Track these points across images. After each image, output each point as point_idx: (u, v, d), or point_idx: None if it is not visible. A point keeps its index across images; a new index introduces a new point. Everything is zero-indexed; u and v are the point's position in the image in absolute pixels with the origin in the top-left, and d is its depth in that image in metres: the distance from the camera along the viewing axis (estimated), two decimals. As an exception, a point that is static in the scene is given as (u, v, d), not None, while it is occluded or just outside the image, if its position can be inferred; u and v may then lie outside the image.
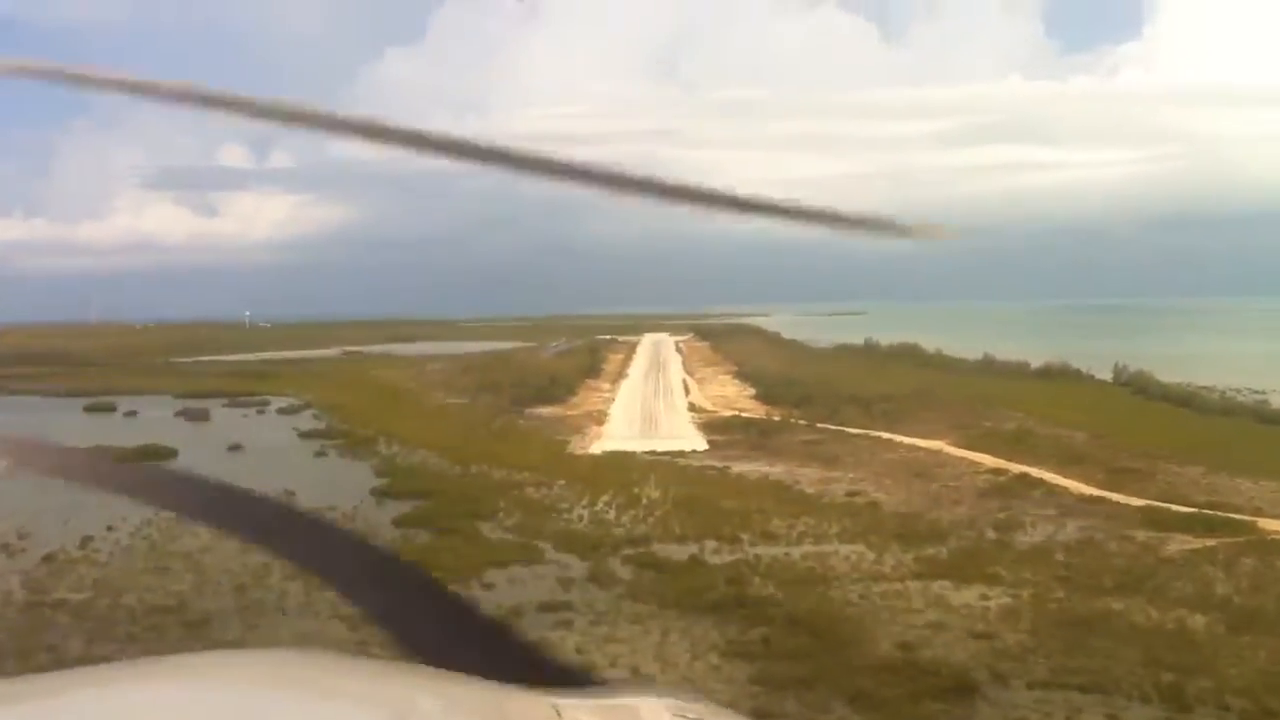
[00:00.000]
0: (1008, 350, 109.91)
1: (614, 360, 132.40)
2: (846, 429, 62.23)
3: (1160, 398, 72.75)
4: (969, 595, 28.33)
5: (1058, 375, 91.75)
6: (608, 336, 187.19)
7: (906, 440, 57.43)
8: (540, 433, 65.57)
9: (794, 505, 40.94)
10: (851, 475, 47.54)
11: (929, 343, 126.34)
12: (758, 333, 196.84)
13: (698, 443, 58.79)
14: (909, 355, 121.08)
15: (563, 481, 47.08)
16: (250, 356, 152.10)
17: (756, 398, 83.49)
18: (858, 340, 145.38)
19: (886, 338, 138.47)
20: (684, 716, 1.95)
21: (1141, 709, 20.89)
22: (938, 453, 53.62)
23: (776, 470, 49.19)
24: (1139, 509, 39.02)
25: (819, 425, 63.94)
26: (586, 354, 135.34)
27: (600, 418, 72.39)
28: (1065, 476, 45.87)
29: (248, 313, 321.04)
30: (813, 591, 28.90)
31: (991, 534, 35.62)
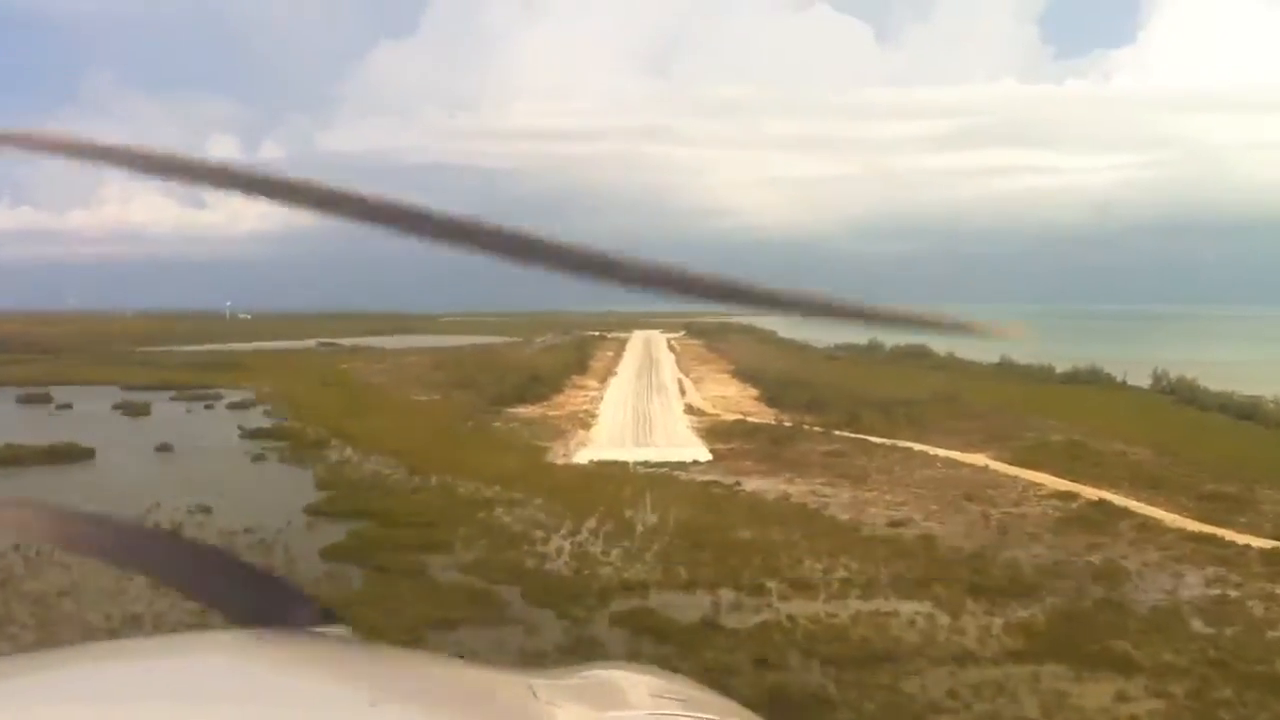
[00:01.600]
0: (1013, 355, 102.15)
1: (603, 357, 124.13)
2: (868, 438, 54.01)
3: (1217, 408, 64.68)
4: (1100, 693, 20.16)
5: (1087, 380, 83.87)
6: (596, 333, 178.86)
7: (942, 453, 49.25)
8: (518, 436, 57.23)
9: (827, 538, 32.72)
10: (889, 497, 39.31)
11: (933, 345, 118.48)
12: (752, 331, 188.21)
13: (699, 452, 50.51)
14: (918, 356, 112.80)
15: (540, 500, 38.91)
16: (221, 347, 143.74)
17: (761, 400, 75.25)
18: (860, 340, 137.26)
19: (888, 339, 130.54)
20: (663, 695, 1.90)
21: None
22: (983, 470, 45.44)
23: (797, 489, 40.95)
24: (1265, 552, 30.86)
25: (836, 433, 55.75)
26: (573, 350, 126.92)
27: (587, 420, 64.08)
28: (1148, 504, 37.80)
29: (229, 303, 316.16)
30: (877, 681, 20.70)
31: (1094, 588, 27.37)
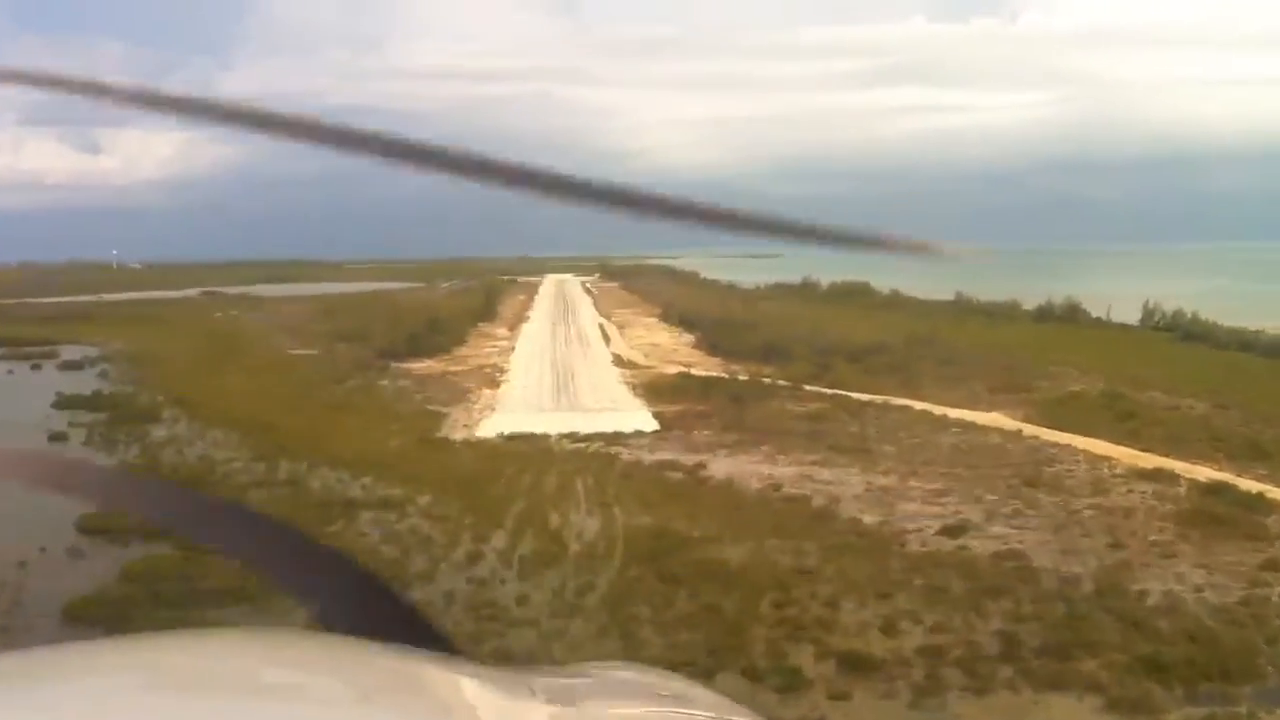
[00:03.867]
0: (947, 291, 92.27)
1: (513, 302, 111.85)
2: (848, 393, 43.08)
3: (1238, 346, 54.98)
4: None
5: (1063, 317, 74.00)
6: (506, 278, 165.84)
7: (951, 413, 38.39)
8: (408, 399, 45.03)
9: (859, 560, 21.52)
10: (917, 483, 28.21)
11: (874, 282, 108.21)
12: (671, 273, 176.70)
13: (641, 418, 39.02)
14: (860, 294, 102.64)
15: (426, 498, 27.26)
16: (89, 298, 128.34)
17: (700, 347, 63.98)
18: (791, 279, 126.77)
19: (823, 278, 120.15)
20: (662, 694, 1.88)
21: None
22: (1017, 435, 34.70)
23: (785, 472, 29.65)
24: None
25: (806, 387, 44.72)
26: (480, 294, 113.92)
27: (495, 376, 52.16)
28: (1272, 483, 27.37)
29: (115, 252, 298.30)
30: None
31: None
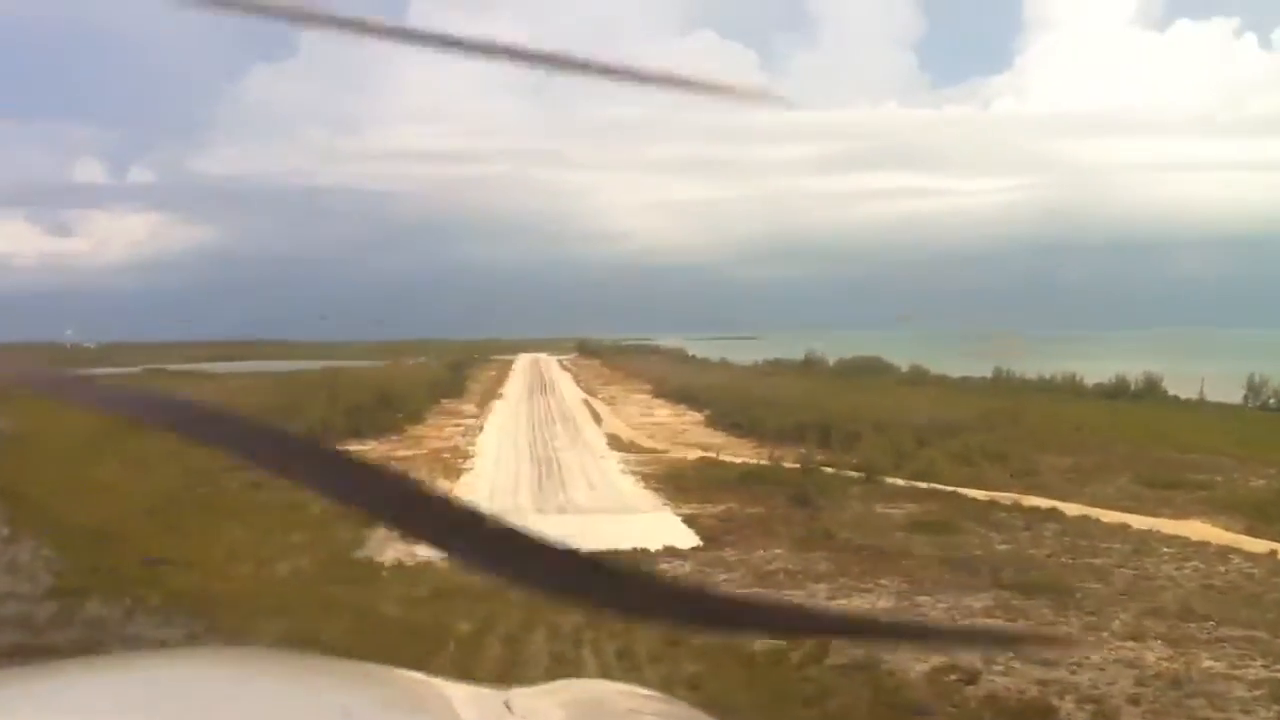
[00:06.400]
0: (955, 369, 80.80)
1: (484, 377, 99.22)
2: (951, 488, 30.47)
3: None
4: None
5: (1140, 395, 61.93)
6: (476, 356, 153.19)
7: (1133, 522, 25.64)
8: (319, 499, 32.11)
9: None
10: (1209, 658, 15.58)
11: (888, 358, 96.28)
12: (655, 350, 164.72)
13: (665, 526, 26.08)
14: (876, 370, 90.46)
15: None
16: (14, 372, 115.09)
17: (715, 426, 51.43)
18: (789, 355, 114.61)
19: (830, 354, 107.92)
20: (639, 710, 1.81)
21: None
22: (1270, 556, 22.11)
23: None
24: None
25: (890, 481, 32.11)
26: (448, 369, 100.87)
27: (456, 464, 39.13)
28: None
29: (69, 331, 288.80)
30: None
31: None
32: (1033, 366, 76.58)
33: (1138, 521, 25.58)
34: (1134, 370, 66.81)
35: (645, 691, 2.00)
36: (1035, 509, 27.29)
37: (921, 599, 18.68)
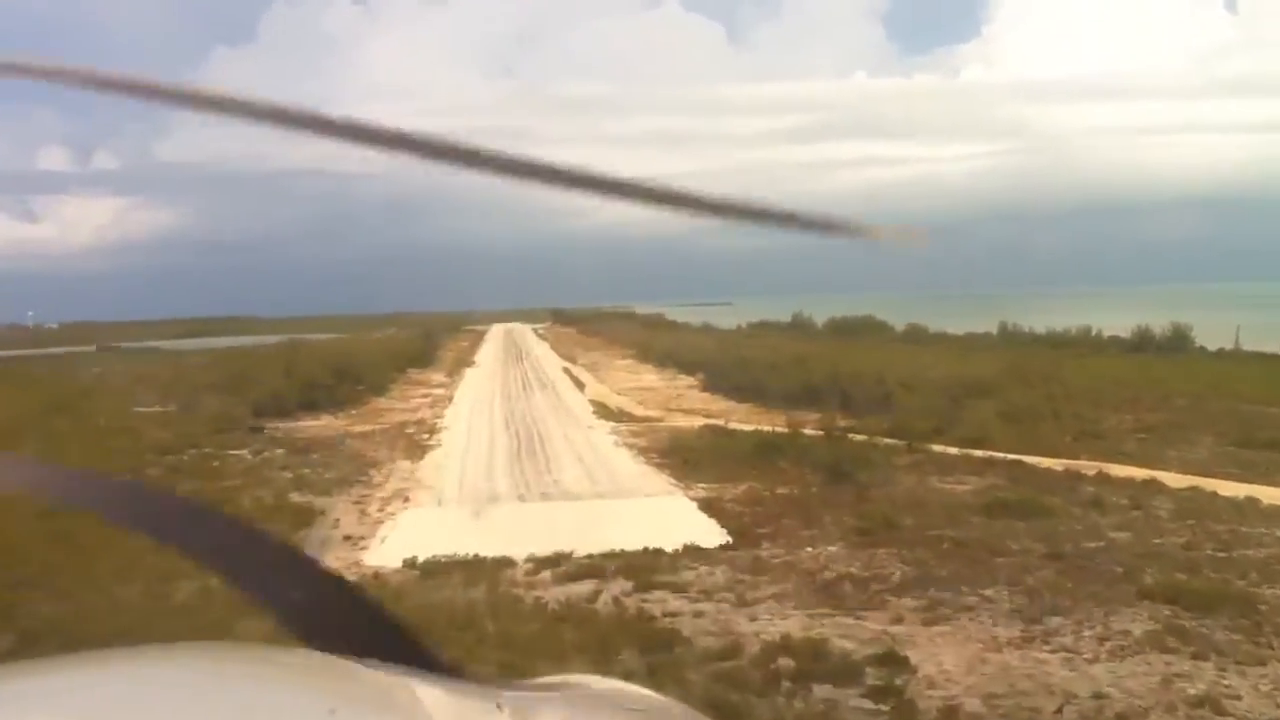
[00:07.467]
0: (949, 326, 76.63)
1: (455, 346, 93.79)
2: (1014, 456, 25.48)
3: None
4: None
5: (1168, 347, 57.15)
6: (447, 328, 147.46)
7: (1258, 495, 20.87)
8: (267, 479, 25.90)
9: None
10: None
11: (882, 315, 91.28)
12: (632, 316, 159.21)
13: (678, 514, 21.01)
14: (871, 329, 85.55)
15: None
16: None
17: (712, 391, 46.30)
18: (776, 318, 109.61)
19: (817, 314, 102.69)
20: (629, 706, 1.79)
21: None
22: None
23: (1119, 695, 11.93)
24: None
25: (937, 449, 27.07)
26: (419, 340, 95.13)
27: (420, 439, 33.79)
28: None
29: (30, 312, 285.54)
30: None
31: None
32: (1014, 319, 72.59)
33: (1266, 494, 20.55)
34: (1118, 324, 62.69)
35: (642, 690, 1.89)
36: (1130, 480, 22.23)
37: (1054, 621, 13.51)
